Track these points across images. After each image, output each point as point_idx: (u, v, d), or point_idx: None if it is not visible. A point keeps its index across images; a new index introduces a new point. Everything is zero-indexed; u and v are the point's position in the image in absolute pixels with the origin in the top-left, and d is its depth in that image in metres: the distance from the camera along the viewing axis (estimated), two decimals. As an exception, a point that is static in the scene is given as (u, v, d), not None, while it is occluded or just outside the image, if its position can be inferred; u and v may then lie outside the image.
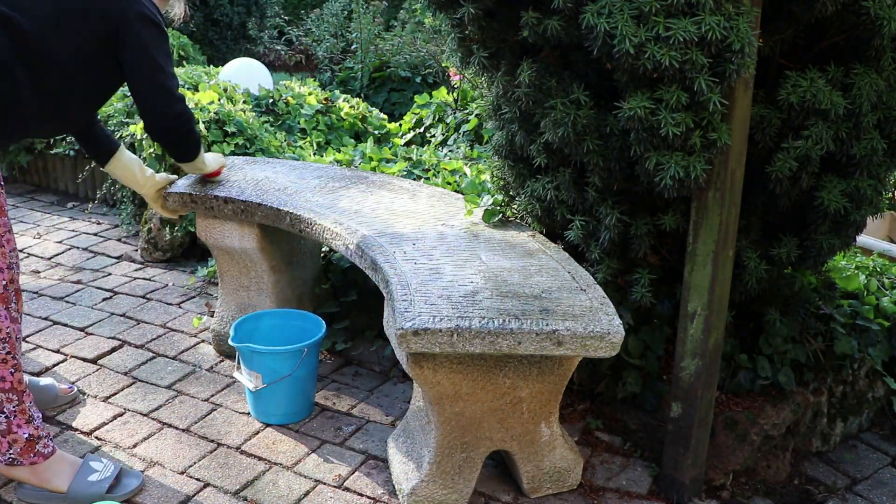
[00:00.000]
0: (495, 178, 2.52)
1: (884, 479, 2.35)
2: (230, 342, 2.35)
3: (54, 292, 3.26)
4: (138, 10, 2.11)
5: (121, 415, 2.44)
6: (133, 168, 2.53)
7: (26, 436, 1.97)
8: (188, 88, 4.30)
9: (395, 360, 2.76)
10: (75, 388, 2.52)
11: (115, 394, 2.55)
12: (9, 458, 1.98)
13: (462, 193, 2.66)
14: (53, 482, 2.03)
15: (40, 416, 2.04)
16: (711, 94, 1.70)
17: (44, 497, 2.04)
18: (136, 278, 3.44)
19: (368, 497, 2.11)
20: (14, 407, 1.95)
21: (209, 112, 3.75)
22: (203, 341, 2.91)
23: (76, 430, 2.35)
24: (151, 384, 2.62)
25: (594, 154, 1.97)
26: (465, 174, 3.33)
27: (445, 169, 3.44)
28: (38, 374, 2.63)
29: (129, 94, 4.58)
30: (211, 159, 2.66)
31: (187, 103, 2.32)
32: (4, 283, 1.93)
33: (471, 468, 2.02)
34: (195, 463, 2.23)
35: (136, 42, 2.12)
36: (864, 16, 1.82)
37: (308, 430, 2.40)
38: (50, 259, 3.62)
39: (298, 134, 4.38)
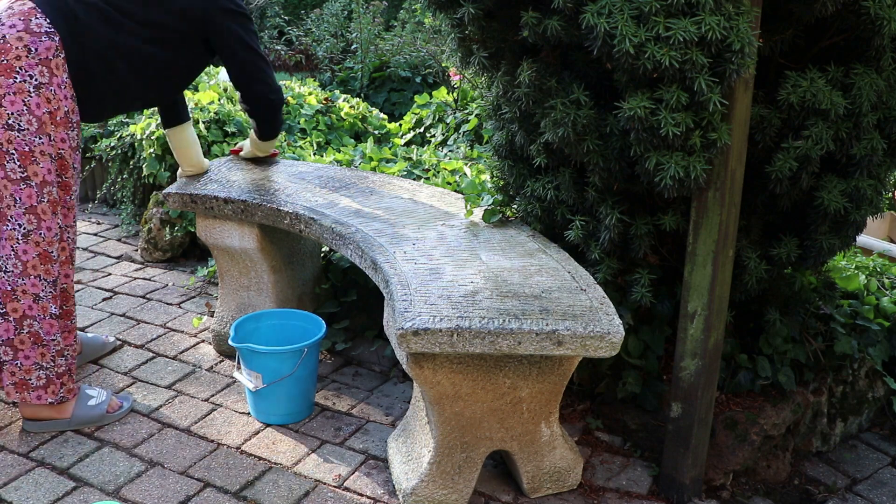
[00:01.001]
0: (495, 178, 2.52)
1: (884, 479, 2.35)
2: (230, 342, 2.35)
3: (54, 292, 3.26)
4: (221, 5, 2.37)
5: (121, 415, 2.44)
6: (189, 147, 2.75)
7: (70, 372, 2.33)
8: (188, 88, 4.29)
9: (395, 360, 2.76)
10: (111, 338, 2.84)
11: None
12: (59, 397, 2.30)
13: (462, 193, 2.66)
14: (66, 412, 2.33)
15: (71, 357, 2.35)
16: (711, 94, 1.70)
17: (50, 426, 2.33)
18: (136, 278, 3.45)
19: (368, 497, 2.11)
20: (72, 352, 2.31)
21: (209, 112, 3.75)
22: (203, 341, 2.91)
23: (77, 430, 2.35)
24: (151, 384, 2.62)
25: (594, 154, 1.97)
26: (465, 174, 3.33)
27: (445, 169, 3.44)
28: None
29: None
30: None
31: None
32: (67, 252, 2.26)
33: (471, 468, 2.02)
34: (195, 463, 2.23)
35: (227, 36, 2.40)
36: (864, 16, 1.82)
37: (308, 430, 2.40)
38: (50, 259, 3.62)
39: (298, 134, 4.37)
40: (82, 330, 2.97)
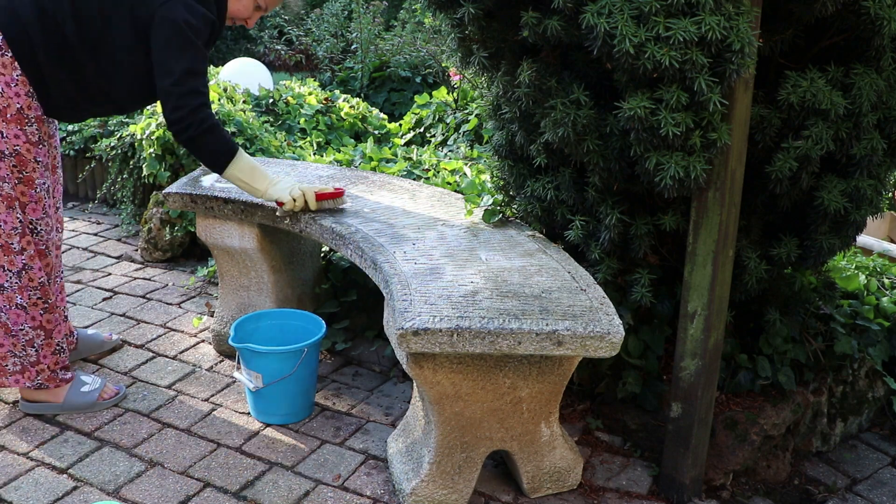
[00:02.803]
0: (495, 178, 2.52)
1: (884, 479, 2.35)
2: (230, 342, 2.35)
3: (54, 292, 3.26)
4: (164, 12, 2.14)
5: (121, 415, 2.44)
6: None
7: (48, 364, 2.38)
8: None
9: (395, 360, 2.76)
10: (115, 336, 2.84)
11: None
12: (37, 383, 2.38)
13: (462, 193, 2.66)
14: (59, 396, 2.43)
15: (66, 349, 2.44)
16: (711, 94, 1.70)
17: (43, 408, 2.42)
18: (136, 278, 3.45)
19: (368, 497, 2.11)
20: (42, 341, 2.35)
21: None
22: (203, 341, 2.91)
23: (77, 430, 2.35)
24: (151, 384, 2.62)
25: (594, 154, 1.97)
26: (465, 174, 3.33)
27: (445, 169, 3.44)
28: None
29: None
30: (280, 186, 2.36)
31: (201, 109, 2.20)
32: (22, 245, 2.26)
33: (471, 468, 2.02)
34: (195, 463, 2.23)
35: (155, 43, 2.16)
36: (864, 16, 1.82)
37: (308, 430, 2.40)
38: (50, 259, 3.62)
39: (298, 134, 4.38)
40: (84, 328, 2.97)
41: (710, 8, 1.65)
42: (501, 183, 2.48)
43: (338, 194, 2.43)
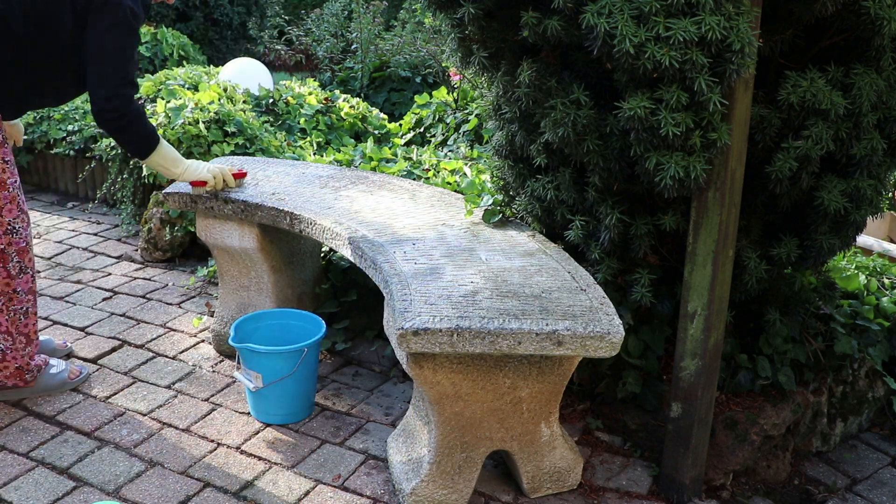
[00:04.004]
0: (495, 178, 2.52)
1: (884, 479, 2.35)
2: (230, 342, 2.35)
3: (54, 292, 3.26)
4: None
5: (121, 415, 2.44)
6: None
7: (16, 366, 2.41)
8: (188, 88, 4.30)
9: (395, 360, 2.76)
10: (69, 344, 2.80)
11: (115, 394, 2.55)
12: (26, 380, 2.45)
13: (462, 193, 2.66)
14: (31, 381, 2.47)
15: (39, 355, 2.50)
16: (711, 94, 1.70)
17: (14, 394, 2.47)
18: (136, 278, 3.44)
19: (368, 497, 2.11)
20: (9, 345, 2.38)
21: (209, 112, 3.75)
22: (203, 341, 2.91)
23: (77, 429, 2.35)
24: (151, 384, 2.62)
25: (594, 154, 1.97)
26: (465, 174, 3.33)
27: (445, 169, 3.44)
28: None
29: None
30: (195, 167, 2.50)
31: (134, 99, 2.27)
32: (2, 246, 2.28)
33: (471, 468, 2.02)
34: (195, 463, 2.23)
35: (96, 26, 2.17)
36: (864, 16, 1.82)
37: (308, 430, 2.40)
38: (50, 259, 3.62)
39: (298, 134, 4.38)
40: (81, 329, 2.97)
41: (710, 8, 1.65)
42: (501, 183, 2.48)
43: (241, 175, 2.64)
